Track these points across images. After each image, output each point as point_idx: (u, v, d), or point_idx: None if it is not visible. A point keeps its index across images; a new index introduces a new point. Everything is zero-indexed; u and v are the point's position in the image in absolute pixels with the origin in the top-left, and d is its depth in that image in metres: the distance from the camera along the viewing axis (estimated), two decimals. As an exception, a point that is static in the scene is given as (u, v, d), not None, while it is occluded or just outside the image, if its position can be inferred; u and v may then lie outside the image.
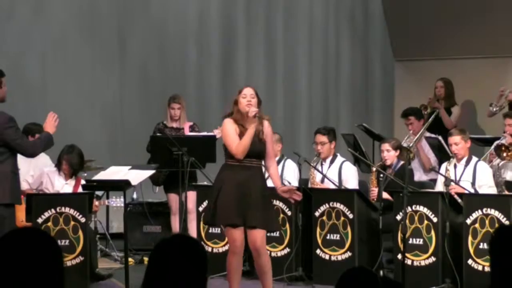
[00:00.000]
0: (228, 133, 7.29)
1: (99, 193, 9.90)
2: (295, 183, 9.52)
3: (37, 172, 9.49)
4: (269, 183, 7.58)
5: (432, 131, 10.57)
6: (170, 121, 10.04)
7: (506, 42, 11.48)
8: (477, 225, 8.38)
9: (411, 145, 10.13)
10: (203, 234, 9.51)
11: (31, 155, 7.51)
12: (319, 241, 9.08)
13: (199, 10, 13.12)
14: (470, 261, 8.38)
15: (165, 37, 12.86)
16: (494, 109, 10.76)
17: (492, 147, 9.84)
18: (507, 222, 8.06)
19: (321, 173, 9.60)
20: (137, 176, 7.95)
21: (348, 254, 8.94)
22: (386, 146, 9.61)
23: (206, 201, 9.44)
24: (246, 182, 7.22)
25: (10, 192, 7.16)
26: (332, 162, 9.67)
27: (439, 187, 9.17)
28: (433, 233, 8.57)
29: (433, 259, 8.56)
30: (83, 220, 8.59)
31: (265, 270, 7.38)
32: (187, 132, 9.86)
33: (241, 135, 7.25)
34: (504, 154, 9.56)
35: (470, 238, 8.40)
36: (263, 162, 7.42)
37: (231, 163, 7.31)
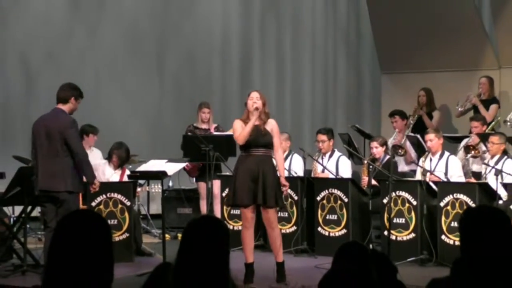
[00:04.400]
0: (235, 128, 7.35)
1: (141, 181, 9.93)
2: (300, 173, 9.53)
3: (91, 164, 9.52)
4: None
5: (417, 132, 10.52)
6: (201, 123, 10.03)
7: (472, 58, 11.45)
8: (449, 207, 8.35)
9: (402, 142, 10.14)
10: (226, 215, 9.53)
11: (77, 157, 7.22)
12: (320, 220, 9.07)
13: (222, 32, 13.14)
14: (443, 237, 8.36)
15: (194, 54, 12.88)
16: (460, 109, 10.75)
17: (462, 146, 9.81)
18: (473, 205, 8.03)
19: (322, 165, 9.59)
20: (172, 167, 7.95)
21: (344, 231, 8.93)
22: (374, 143, 9.60)
23: (228, 189, 9.48)
24: (256, 167, 7.22)
25: (71, 181, 7.14)
26: (330, 156, 9.66)
27: (418, 176, 9.14)
28: (413, 214, 8.55)
29: (413, 235, 8.54)
30: (128, 203, 8.61)
31: (277, 241, 7.39)
32: (213, 132, 9.88)
33: None
34: (472, 152, 9.55)
35: (443, 218, 8.38)
36: (271, 152, 7.41)
37: (243, 154, 7.35)
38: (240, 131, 7.28)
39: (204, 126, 9.98)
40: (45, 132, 7.21)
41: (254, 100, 7.33)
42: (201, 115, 10.02)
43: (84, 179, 7.36)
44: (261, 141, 7.28)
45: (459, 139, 10.28)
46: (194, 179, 10.13)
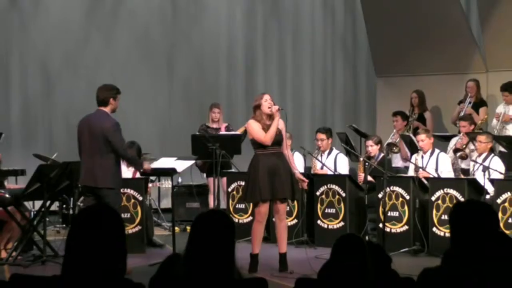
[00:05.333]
0: (255, 129, 7.29)
1: (152, 178, 9.93)
2: (301, 169, 9.52)
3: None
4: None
5: (413, 132, 10.48)
6: (211, 122, 10.08)
7: (461, 62, 11.43)
8: (439, 201, 8.35)
9: (397, 141, 10.14)
10: (231, 209, 9.53)
11: (120, 156, 7.16)
12: (320, 214, 9.08)
13: (228, 38, 13.15)
14: (434, 229, 8.36)
15: (203, 58, 12.89)
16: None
17: (451, 150, 9.79)
18: (462, 199, 8.03)
19: (321, 162, 9.59)
20: (181, 165, 7.95)
21: (342, 223, 8.93)
22: (370, 142, 9.60)
23: (235, 183, 9.47)
24: (276, 165, 7.23)
25: (111, 178, 7.04)
26: (329, 154, 9.66)
27: (411, 172, 9.14)
28: (406, 207, 8.55)
29: (406, 227, 8.54)
30: (140, 198, 8.61)
31: (283, 233, 7.41)
32: (223, 131, 9.93)
33: (263, 129, 7.26)
34: (461, 153, 9.56)
35: (434, 211, 8.38)
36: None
37: (261, 152, 7.29)
38: (260, 131, 7.26)
39: (214, 126, 10.04)
40: (88, 131, 7.11)
41: (269, 101, 7.32)
42: (211, 115, 10.07)
43: None
44: (277, 139, 7.29)
45: (449, 138, 10.29)
46: (204, 174, 10.16)
